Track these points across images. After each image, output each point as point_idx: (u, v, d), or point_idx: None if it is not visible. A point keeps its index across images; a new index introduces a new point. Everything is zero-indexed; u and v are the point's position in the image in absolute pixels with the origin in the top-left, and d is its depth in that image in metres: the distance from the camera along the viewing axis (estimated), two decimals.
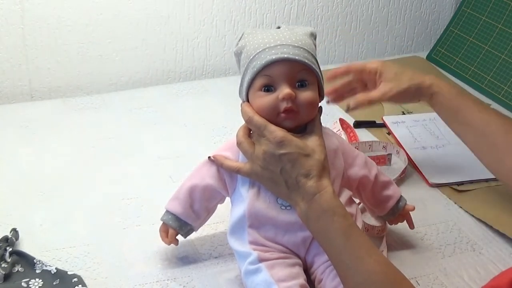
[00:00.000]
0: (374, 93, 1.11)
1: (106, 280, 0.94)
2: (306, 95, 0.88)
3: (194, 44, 1.60)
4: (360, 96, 1.12)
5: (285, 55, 0.86)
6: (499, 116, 1.08)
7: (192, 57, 1.61)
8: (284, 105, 0.86)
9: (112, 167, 1.21)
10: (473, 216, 1.12)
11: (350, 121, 1.38)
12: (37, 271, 0.93)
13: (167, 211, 0.96)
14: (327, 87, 1.09)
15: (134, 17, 1.51)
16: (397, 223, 1.04)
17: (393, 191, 1.01)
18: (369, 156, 1.02)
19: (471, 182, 1.20)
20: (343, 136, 1.28)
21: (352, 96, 1.14)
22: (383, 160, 1.24)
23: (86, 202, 1.11)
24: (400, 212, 1.02)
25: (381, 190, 1.00)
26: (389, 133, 1.36)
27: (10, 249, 0.95)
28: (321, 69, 0.91)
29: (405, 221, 1.04)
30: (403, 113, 1.45)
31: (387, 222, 1.04)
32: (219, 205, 0.98)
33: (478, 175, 1.20)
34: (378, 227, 1.04)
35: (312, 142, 0.87)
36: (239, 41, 0.92)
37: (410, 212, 1.03)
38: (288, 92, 0.86)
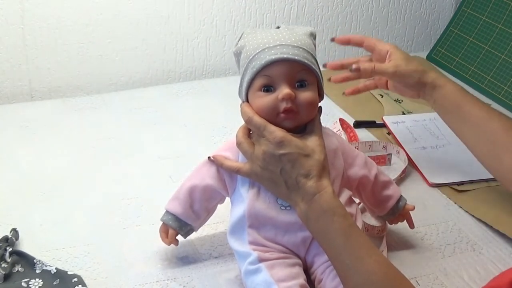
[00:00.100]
0: (381, 64, 1.11)
1: (106, 280, 0.94)
2: (305, 95, 0.87)
3: (194, 44, 1.60)
4: (367, 63, 1.12)
5: (285, 55, 0.86)
6: (500, 115, 1.08)
7: (192, 57, 1.61)
8: (283, 105, 0.86)
9: (112, 167, 1.21)
10: (473, 216, 1.12)
11: (350, 121, 1.38)
12: (37, 271, 0.93)
13: (167, 211, 0.96)
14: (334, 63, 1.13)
15: (134, 17, 1.51)
16: (397, 223, 1.04)
17: (393, 191, 1.01)
18: (369, 156, 1.02)
19: (471, 182, 1.20)
20: (343, 136, 1.28)
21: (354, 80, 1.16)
22: (383, 160, 1.24)
23: (86, 202, 1.11)
24: (400, 212, 1.02)
25: (381, 190, 1.00)
26: (389, 133, 1.36)
27: (10, 249, 0.95)
28: (321, 69, 0.91)
29: (405, 221, 1.04)
30: (403, 113, 1.45)
31: (387, 222, 1.04)
32: (219, 205, 0.98)
33: (478, 175, 1.20)
34: (378, 227, 1.04)
35: (312, 142, 0.87)
36: (238, 41, 0.92)
37: (410, 212, 1.03)
38: (287, 92, 0.86)
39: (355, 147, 1.08)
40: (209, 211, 0.98)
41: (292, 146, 0.85)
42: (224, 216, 1.00)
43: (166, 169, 1.21)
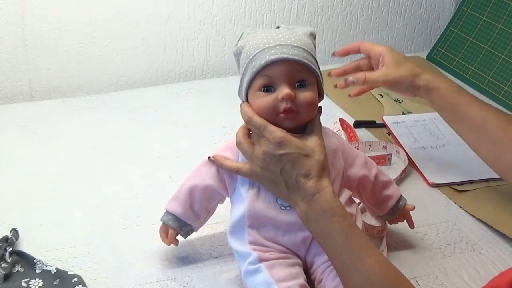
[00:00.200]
0: (372, 73, 1.12)
1: (106, 280, 0.94)
2: (305, 95, 0.87)
3: (194, 44, 1.60)
4: (359, 73, 1.14)
5: (285, 55, 0.86)
6: (498, 112, 1.08)
7: (192, 57, 1.61)
8: (283, 105, 0.86)
9: (112, 167, 1.21)
10: (473, 216, 1.12)
11: (350, 121, 1.38)
12: (37, 271, 0.93)
13: (167, 212, 0.96)
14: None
15: (134, 17, 1.51)
16: (397, 223, 1.04)
17: (393, 190, 1.01)
18: (369, 156, 1.02)
19: (471, 182, 1.20)
20: (343, 136, 1.28)
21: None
22: (383, 160, 1.24)
23: (86, 202, 1.11)
24: (400, 212, 1.02)
25: (381, 190, 1.00)
26: (389, 133, 1.36)
27: (10, 249, 0.95)
28: (321, 69, 0.91)
29: (405, 221, 1.04)
30: (403, 113, 1.45)
31: (387, 222, 1.04)
32: (219, 205, 0.98)
33: (478, 175, 1.20)
34: (378, 227, 1.04)
35: (311, 142, 0.87)
36: (238, 41, 0.92)
37: (410, 212, 1.03)
38: (287, 92, 0.86)
39: (355, 147, 1.08)
40: (209, 211, 0.98)
41: (292, 146, 0.85)
42: (224, 216, 1.00)
43: (166, 169, 1.21)
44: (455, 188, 1.19)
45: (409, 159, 1.26)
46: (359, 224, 0.95)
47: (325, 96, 0.93)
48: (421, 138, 1.34)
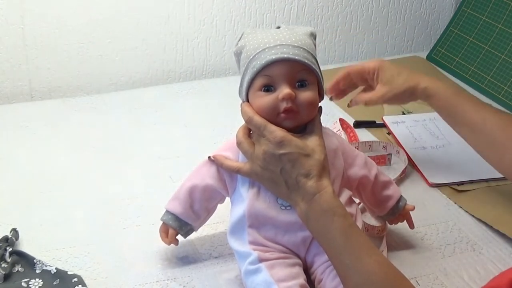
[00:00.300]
0: (370, 96, 1.14)
1: (106, 280, 0.94)
2: (306, 95, 0.87)
3: (194, 44, 1.60)
4: (358, 97, 1.16)
5: (285, 55, 0.86)
6: (496, 113, 1.08)
7: (192, 57, 1.61)
8: (284, 105, 0.86)
9: (112, 167, 1.21)
10: (473, 216, 1.12)
11: (350, 121, 1.38)
12: (37, 271, 0.93)
13: (167, 211, 0.96)
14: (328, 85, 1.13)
15: (134, 17, 1.51)
16: (397, 223, 1.04)
17: (393, 191, 1.01)
18: (369, 156, 1.02)
19: (471, 182, 1.20)
20: (343, 136, 1.28)
21: (353, 90, 1.18)
22: (383, 160, 1.24)
23: (86, 202, 1.11)
24: (400, 212, 1.02)
25: (381, 190, 1.00)
26: (389, 133, 1.36)
27: (10, 249, 0.95)
28: (321, 69, 0.91)
29: (405, 221, 1.04)
30: (403, 113, 1.45)
31: (387, 222, 1.04)
32: (219, 205, 0.98)
33: (478, 175, 1.20)
34: (378, 227, 1.04)
35: (312, 142, 0.87)
36: (238, 41, 0.92)
37: (410, 212, 1.03)
38: (288, 92, 0.86)
39: (355, 147, 1.08)
40: (209, 211, 0.98)
41: (292, 146, 0.85)
42: (224, 216, 1.00)
43: (166, 169, 1.21)
44: (455, 188, 1.19)
45: (409, 159, 1.26)
46: (359, 224, 0.95)
47: (325, 96, 0.93)
48: (421, 138, 1.34)
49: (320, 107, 0.92)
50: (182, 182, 0.96)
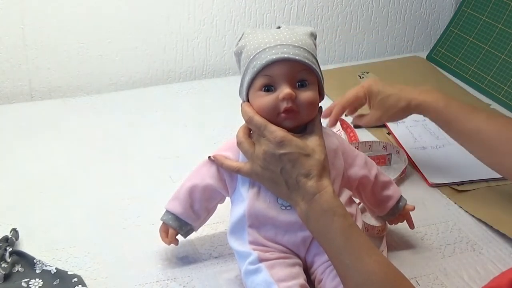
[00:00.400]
0: (368, 120, 1.19)
1: (106, 280, 0.94)
2: (306, 95, 0.87)
3: (194, 44, 1.60)
4: (356, 121, 1.22)
5: (285, 55, 0.86)
6: (489, 119, 1.08)
7: (192, 57, 1.61)
8: (284, 105, 0.86)
9: (112, 167, 1.21)
10: (473, 216, 1.12)
11: (350, 121, 1.37)
12: (37, 271, 0.93)
13: (167, 211, 0.96)
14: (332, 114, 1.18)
15: (134, 17, 1.51)
16: (397, 223, 1.04)
17: (393, 191, 1.01)
18: (369, 156, 1.02)
19: (471, 182, 1.20)
20: (343, 136, 1.28)
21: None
22: (383, 160, 1.24)
23: (86, 202, 1.11)
24: (400, 212, 1.02)
25: (381, 190, 1.00)
26: (389, 133, 1.36)
27: (10, 249, 0.94)
28: (321, 69, 0.91)
29: (405, 221, 1.04)
30: None
31: (387, 222, 1.04)
32: (219, 205, 0.98)
33: (478, 175, 1.20)
34: (378, 227, 1.04)
35: (312, 142, 0.87)
36: (239, 41, 0.92)
37: (410, 212, 1.03)
38: (288, 92, 0.86)
39: (355, 147, 1.08)
40: (209, 211, 0.98)
41: (293, 146, 0.85)
42: (224, 216, 1.00)
43: (166, 169, 1.21)
44: (455, 188, 1.19)
45: (409, 159, 1.26)
46: (359, 224, 0.95)
47: (325, 96, 0.93)
48: (421, 138, 1.34)
49: (320, 107, 0.92)
50: (182, 182, 0.96)
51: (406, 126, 1.37)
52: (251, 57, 0.88)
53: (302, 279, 0.87)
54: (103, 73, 1.54)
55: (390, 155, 1.26)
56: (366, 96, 1.16)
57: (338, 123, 1.32)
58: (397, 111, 1.14)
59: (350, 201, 0.96)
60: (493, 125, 1.06)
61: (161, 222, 0.96)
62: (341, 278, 0.83)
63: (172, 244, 0.96)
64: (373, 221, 1.05)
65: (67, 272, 0.92)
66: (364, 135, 1.34)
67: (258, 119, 0.87)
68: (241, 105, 0.91)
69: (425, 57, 1.75)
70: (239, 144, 0.90)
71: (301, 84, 0.88)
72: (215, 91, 1.52)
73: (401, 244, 1.05)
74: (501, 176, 1.12)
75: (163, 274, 0.96)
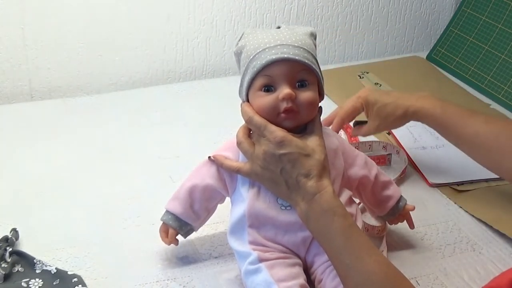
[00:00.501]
0: (366, 130, 1.19)
1: (106, 280, 0.94)
2: (306, 95, 0.87)
3: (194, 44, 1.60)
4: (355, 132, 1.22)
5: (285, 55, 0.86)
6: (486, 122, 1.09)
7: (192, 57, 1.61)
8: (284, 105, 0.86)
9: (112, 167, 1.21)
10: (473, 216, 1.12)
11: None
12: (37, 271, 0.93)
13: (167, 211, 0.96)
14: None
15: (134, 17, 1.51)
16: (397, 223, 1.04)
17: (393, 191, 1.01)
18: (369, 156, 1.02)
19: (471, 182, 1.20)
20: (343, 136, 1.28)
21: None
22: (383, 160, 1.24)
23: (86, 202, 1.11)
24: (400, 212, 1.02)
25: (381, 190, 1.00)
26: (389, 133, 1.36)
27: (10, 249, 0.94)
28: (321, 69, 0.91)
29: (405, 221, 1.04)
30: None
31: (387, 222, 1.04)
32: (219, 205, 0.98)
33: (478, 175, 1.20)
34: (378, 227, 1.04)
35: (312, 142, 0.87)
36: (239, 41, 0.92)
37: (410, 212, 1.03)
38: (288, 92, 0.86)
39: (355, 147, 1.08)
40: (209, 211, 0.98)
41: (293, 146, 0.85)
42: (224, 216, 1.00)
43: (166, 169, 1.21)
44: (455, 188, 1.19)
45: (409, 159, 1.26)
46: (359, 224, 0.95)
47: (325, 96, 0.93)
48: (421, 138, 1.34)
49: (320, 107, 0.92)
50: (182, 182, 0.96)
51: (406, 126, 1.36)
52: (251, 57, 0.88)
53: (302, 279, 0.87)
54: (103, 73, 1.54)
55: (390, 155, 1.26)
56: (363, 106, 1.16)
57: None
58: (395, 119, 1.14)
59: (350, 201, 0.96)
60: (491, 128, 1.07)
61: (161, 222, 0.96)
62: (341, 278, 0.83)
63: (172, 244, 0.96)
64: (373, 221, 1.05)
65: (67, 272, 0.92)
66: None
67: (258, 119, 0.87)
68: (241, 105, 0.91)
69: (425, 57, 1.75)
70: (239, 144, 0.90)
71: (301, 84, 0.88)
72: (215, 91, 1.52)
73: (401, 244, 1.05)
74: None
75: (163, 274, 0.96)
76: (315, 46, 0.92)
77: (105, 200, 1.11)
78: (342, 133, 1.29)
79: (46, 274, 0.92)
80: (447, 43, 1.71)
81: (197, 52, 1.61)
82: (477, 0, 1.66)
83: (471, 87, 1.60)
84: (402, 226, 1.05)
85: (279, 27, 0.92)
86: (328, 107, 1.07)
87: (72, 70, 1.50)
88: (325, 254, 0.86)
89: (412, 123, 1.38)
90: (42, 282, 0.91)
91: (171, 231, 0.95)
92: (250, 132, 0.91)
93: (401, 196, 1.02)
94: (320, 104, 0.91)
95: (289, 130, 0.87)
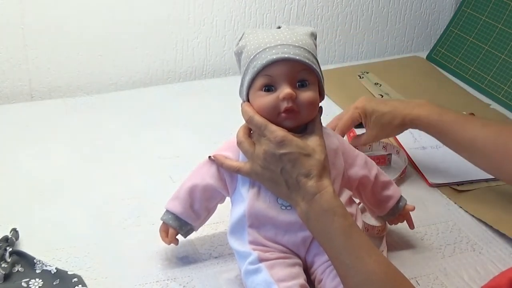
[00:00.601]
0: (365, 139, 1.20)
1: (106, 280, 0.94)
2: (306, 95, 0.87)
3: (194, 44, 1.60)
4: (353, 142, 1.22)
5: (286, 55, 0.86)
6: (484, 126, 1.09)
7: (192, 57, 1.61)
8: (284, 105, 0.86)
9: (112, 167, 1.21)
10: (473, 216, 1.12)
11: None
12: (37, 271, 0.93)
13: (167, 211, 0.96)
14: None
15: (134, 17, 1.51)
16: (397, 223, 1.04)
17: (393, 191, 1.01)
18: (369, 156, 1.02)
19: (471, 182, 1.20)
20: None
21: None
22: (383, 160, 1.24)
23: (86, 202, 1.11)
24: (400, 212, 1.02)
25: (381, 190, 1.00)
26: None
27: (10, 249, 0.94)
28: (322, 69, 0.91)
29: (405, 221, 1.04)
30: None
31: (387, 222, 1.04)
32: (219, 205, 0.98)
33: (478, 175, 1.20)
34: (378, 227, 1.04)
35: (312, 142, 0.87)
36: (239, 41, 0.92)
37: (410, 212, 1.03)
38: (288, 92, 0.86)
39: (355, 147, 1.08)
40: (209, 211, 0.98)
41: (293, 146, 0.85)
42: (224, 216, 1.00)
43: (166, 169, 1.20)
44: (455, 188, 1.19)
45: (409, 159, 1.26)
46: (359, 224, 0.95)
47: (325, 96, 0.93)
48: (421, 138, 1.34)
49: (321, 107, 0.92)
50: (182, 181, 0.96)
51: None
52: (252, 57, 0.88)
53: (302, 279, 0.87)
54: (103, 73, 1.54)
55: (390, 155, 1.26)
56: (361, 116, 1.17)
57: None
58: (393, 129, 1.15)
59: (350, 201, 0.96)
60: (488, 132, 1.07)
61: (161, 222, 0.96)
62: (341, 278, 0.83)
63: (172, 244, 0.96)
64: (373, 221, 1.05)
65: (67, 272, 0.92)
66: None
67: (259, 119, 0.87)
68: (241, 105, 0.91)
69: (425, 57, 1.75)
70: (239, 144, 0.90)
71: (302, 84, 0.88)
72: (215, 91, 1.52)
73: (401, 244, 1.05)
74: None
75: (163, 274, 0.96)
76: (316, 46, 0.92)
77: (105, 200, 1.11)
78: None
79: (46, 274, 0.92)
80: (447, 43, 1.71)
81: (197, 52, 1.61)
82: (477, 0, 1.66)
83: (471, 87, 1.60)
84: (402, 226, 1.05)
85: (279, 27, 0.92)
86: (328, 107, 1.07)
87: (72, 70, 1.50)
88: (325, 254, 0.86)
89: None
90: (42, 282, 0.91)
91: (171, 230, 0.95)
92: (251, 132, 0.91)
93: (401, 196, 1.02)
94: (320, 104, 0.91)
95: (290, 130, 0.87)
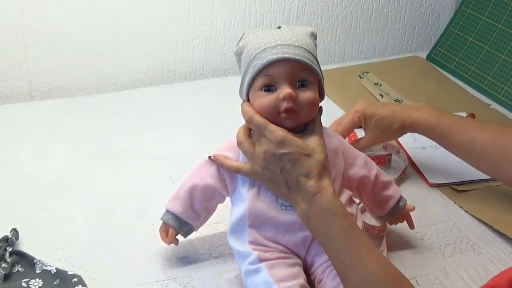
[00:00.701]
0: (364, 142, 1.19)
1: (106, 280, 0.94)
2: (306, 95, 0.87)
3: (194, 44, 1.60)
4: (353, 145, 1.20)
5: (286, 55, 0.86)
6: (482, 129, 1.10)
7: (192, 57, 1.61)
8: (284, 105, 0.86)
9: (112, 167, 1.21)
10: (473, 216, 1.12)
11: None
12: (37, 271, 0.93)
13: (167, 211, 0.96)
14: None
15: (134, 17, 1.51)
16: (397, 223, 1.04)
17: (393, 191, 1.01)
18: (369, 156, 1.02)
19: (471, 182, 1.20)
20: None
21: None
22: (383, 160, 1.24)
23: (86, 202, 1.11)
24: (400, 212, 1.02)
25: (381, 190, 1.00)
26: None
27: (10, 249, 0.94)
28: (322, 69, 0.91)
29: (405, 221, 1.04)
30: None
31: (387, 222, 1.04)
32: (219, 205, 0.98)
33: (478, 175, 1.20)
34: (378, 227, 1.04)
35: (312, 142, 0.87)
36: (239, 41, 0.92)
37: (410, 212, 1.03)
38: (288, 92, 0.86)
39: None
40: (209, 211, 0.98)
41: (293, 146, 0.85)
42: (224, 216, 1.00)
43: (166, 169, 1.21)
44: (455, 188, 1.19)
45: (409, 159, 1.26)
46: (359, 224, 0.95)
47: (325, 96, 0.93)
48: (421, 138, 1.33)
49: (321, 107, 0.92)
50: (183, 181, 0.96)
51: None
52: (252, 57, 0.88)
53: (302, 279, 0.87)
54: (103, 73, 1.54)
55: (390, 155, 1.26)
56: (360, 120, 1.17)
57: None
58: (392, 132, 1.16)
59: (350, 201, 0.96)
60: (487, 134, 1.08)
61: (161, 222, 0.96)
62: (341, 278, 0.83)
63: (172, 244, 0.96)
64: (373, 221, 1.05)
65: (67, 272, 0.92)
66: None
67: (259, 119, 0.87)
68: (241, 105, 0.91)
69: (425, 57, 1.75)
70: (239, 144, 0.90)
71: (302, 84, 0.88)
72: (215, 91, 1.52)
73: (401, 244, 1.05)
74: None
75: (163, 274, 0.96)
76: (316, 46, 0.92)
77: (105, 200, 1.11)
78: None
79: (46, 274, 0.92)
80: (447, 43, 1.71)
81: (197, 52, 1.61)
82: (477, 0, 1.66)
83: (471, 87, 1.60)
84: (402, 226, 1.05)
85: (279, 27, 0.92)
86: (328, 107, 1.07)
87: (72, 70, 1.50)
88: (325, 254, 0.86)
89: None
90: (42, 282, 0.91)
91: (171, 230, 0.95)
92: (251, 132, 0.91)
93: (401, 196, 1.02)
94: (320, 104, 0.91)
95: (290, 130, 0.87)
